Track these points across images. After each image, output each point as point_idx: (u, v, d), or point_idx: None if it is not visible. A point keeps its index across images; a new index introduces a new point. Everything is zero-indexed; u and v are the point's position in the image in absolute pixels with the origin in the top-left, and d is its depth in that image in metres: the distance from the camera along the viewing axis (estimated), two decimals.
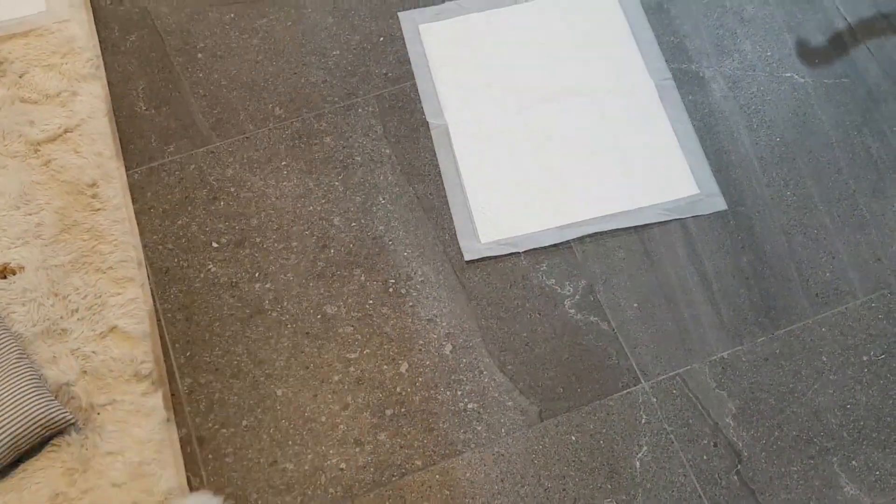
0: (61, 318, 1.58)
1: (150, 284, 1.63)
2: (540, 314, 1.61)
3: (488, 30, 1.89)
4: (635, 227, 1.68)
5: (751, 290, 1.62)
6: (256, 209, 1.70)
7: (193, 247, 1.66)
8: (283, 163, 1.75)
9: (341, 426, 1.51)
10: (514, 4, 1.92)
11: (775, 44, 1.86)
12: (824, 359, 1.56)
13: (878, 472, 1.48)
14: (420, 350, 1.58)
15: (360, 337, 1.59)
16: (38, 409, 1.42)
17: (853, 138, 1.76)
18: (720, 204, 1.69)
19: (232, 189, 1.72)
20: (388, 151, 1.76)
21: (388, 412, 1.53)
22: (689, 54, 1.85)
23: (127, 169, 1.74)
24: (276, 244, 1.67)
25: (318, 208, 1.70)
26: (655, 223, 1.68)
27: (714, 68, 1.83)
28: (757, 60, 1.84)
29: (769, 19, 1.89)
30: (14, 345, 1.49)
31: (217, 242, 1.67)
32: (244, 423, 1.51)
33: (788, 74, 1.83)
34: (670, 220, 1.68)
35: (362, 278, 1.64)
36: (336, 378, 1.55)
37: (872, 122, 1.78)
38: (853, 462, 1.48)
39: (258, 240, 1.67)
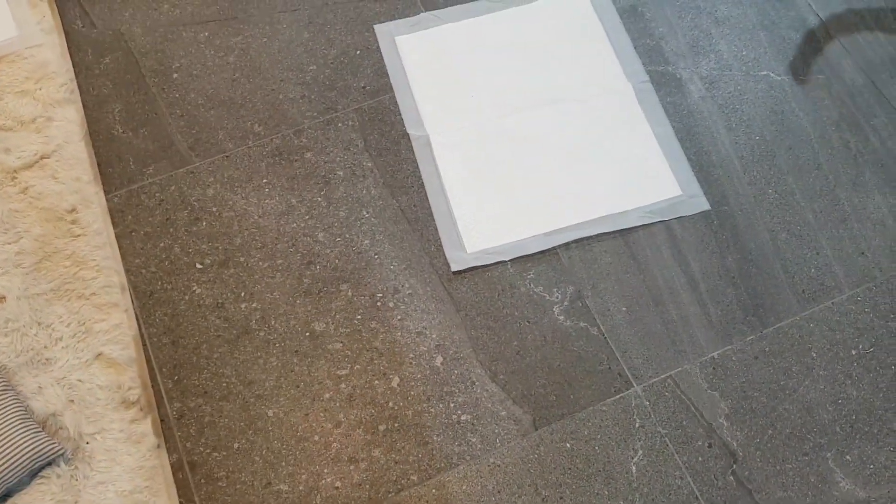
0: (45, 347, 1.55)
1: (134, 309, 1.61)
2: (529, 322, 1.61)
3: (465, 40, 1.89)
4: (620, 231, 1.68)
5: (738, 289, 1.63)
6: (239, 228, 1.69)
7: (177, 269, 1.64)
8: (265, 180, 1.74)
9: (335, 444, 1.50)
10: (489, 13, 1.92)
11: (750, 43, 1.87)
12: (814, 354, 1.57)
13: (872, 466, 1.48)
14: (411, 363, 1.57)
15: (349, 353, 1.57)
16: (25, 442, 1.40)
17: (831, 134, 1.78)
18: (703, 204, 1.70)
19: (214, 209, 1.71)
20: (369, 165, 1.75)
21: (382, 428, 1.51)
22: (665, 56, 1.86)
23: (106, 193, 1.72)
24: (260, 263, 1.65)
25: (302, 225, 1.69)
26: (640, 226, 1.68)
27: (691, 69, 1.84)
28: (733, 60, 1.85)
29: (743, 19, 1.90)
30: None
31: (201, 263, 1.65)
32: (236, 445, 1.50)
33: (764, 73, 1.84)
34: (654, 223, 1.69)
35: (349, 293, 1.63)
36: (327, 396, 1.54)
37: (849, 116, 1.79)
38: (847, 457, 1.49)
39: (242, 259, 1.66)
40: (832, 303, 1.61)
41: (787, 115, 1.80)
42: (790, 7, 1.91)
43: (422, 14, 1.92)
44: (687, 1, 1.92)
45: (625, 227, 1.68)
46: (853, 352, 1.57)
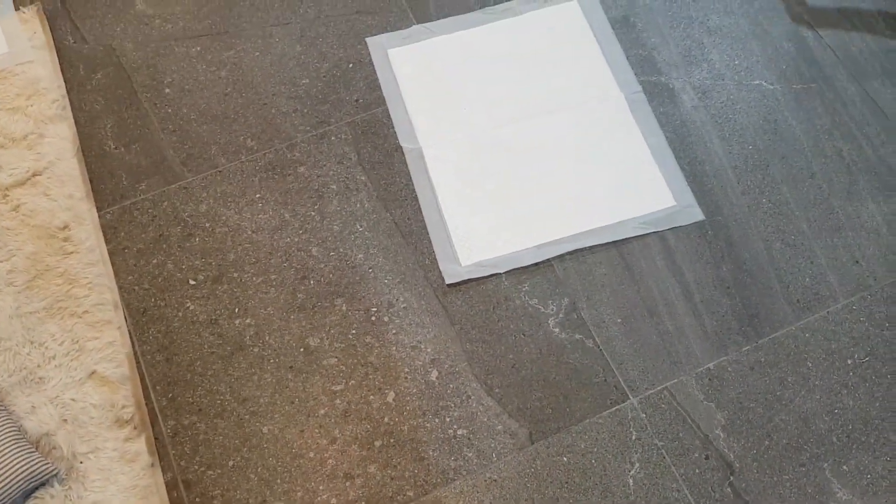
0: (38, 366, 1.54)
1: (127, 326, 1.60)
2: (524, 335, 1.60)
3: (457, 52, 1.89)
4: (614, 242, 1.68)
5: (732, 299, 1.63)
6: (233, 244, 1.68)
7: (170, 285, 1.64)
8: (258, 195, 1.73)
9: (330, 460, 1.49)
10: (481, 25, 1.92)
11: (742, 52, 1.87)
12: (809, 364, 1.57)
13: (869, 476, 1.48)
14: (406, 378, 1.56)
15: (344, 368, 1.57)
16: (18, 462, 1.39)
17: (824, 142, 1.78)
18: (697, 214, 1.70)
19: (207, 224, 1.70)
20: (363, 178, 1.75)
21: (377, 443, 1.51)
22: (657, 66, 1.86)
23: (98, 210, 1.71)
24: (254, 278, 1.65)
25: (296, 239, 1.69)
26: (634, 237, 1.68)
27: (683, 79, 1.84)
28: (725, 69, 1.85)
29: (735, 28, 1.90)
30: None
31: (194, 279, 1.64)
32: (231, 463, 1.49)
33: (757, 82, 1.84)
34: (648, 234, 1.69)
35: (344, 308, 1.62)
36: (322, 412, 1.53)
37: (842, 125, 1.79)
38: (844, 467, 1.49)
39: (236, 275, 1.65)
40: (827, 312, 1.61)
41: (780, 124, 1.80)
42: (782, 16, 1.92)
43: (414, 26, 1.92)
44: (679, 11, 1.93)
45: (619, 238, 1.68)
46: (849, 361, 1.57)
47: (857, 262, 1.66)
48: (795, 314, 1.61)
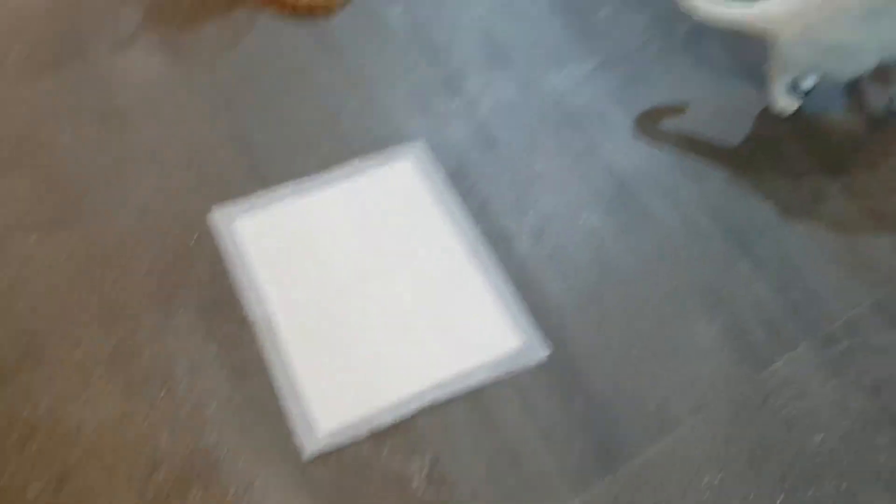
0: None
1: None
2: (390, 498, 1.58)
3: (302, 216, 1.94)
4: (469, 391, 1.70)
5: (588, 433, 1.67)
6: (76, 442, 1.60)
7: (7, 499, 1.53)
8: (102, 385, 1.67)
9: None
10: (324, 187, 1.98)
11: (567, 192, 2.00)
12: (669, 490, 1.61)
13: None
14: None
15: None
16: None
17: (651, 269, 1.89)
18: (543, 353, 1.75)
19: (47, 424, 1.62)
20: (213, 353, 1.73)
21: None
22: (493, 214, 1.95)
23: None
24: (100, 479, 1.56)
25: (144, 429, 1.62)
26: (487, 383, 1.72)
27: (517, 223, 1.94)
28: (554, 210, 1.97)
29: (558, 171, 2.04)
30: None
31: (34, 488, 1.54)
32: None
33: (584, 218, 1.96)
34: (501, 377, 1.72)
35: (199, 497, 1.56)
36: None
37: (665, 251, 1.92)
38: None
39: (81, 475, 1.56)
40: (675, 435, 1.67)
41: (610, 257, 1.91)
42: (600, 157, 2.07)
43: (257, 194, 1.96)
44: (506, 159, 2.05)
45: (473, 385, 1.71)
46: (704, 481, 1.62)
47: (697, 380, 1.75)
48: (647, 440, 1.66)
